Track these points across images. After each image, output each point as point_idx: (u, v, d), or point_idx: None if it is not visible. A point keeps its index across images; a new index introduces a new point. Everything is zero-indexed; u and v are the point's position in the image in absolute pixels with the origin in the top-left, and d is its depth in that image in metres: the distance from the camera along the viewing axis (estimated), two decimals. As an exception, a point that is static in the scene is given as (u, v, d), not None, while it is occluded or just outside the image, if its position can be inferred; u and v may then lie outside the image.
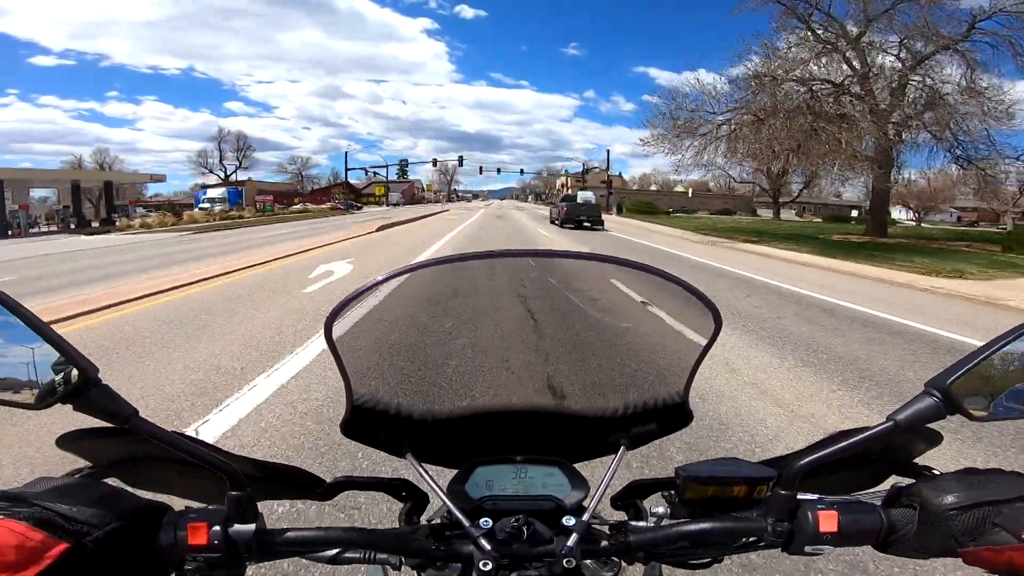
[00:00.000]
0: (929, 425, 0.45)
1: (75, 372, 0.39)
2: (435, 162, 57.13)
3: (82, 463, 0.50)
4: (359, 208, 55.71)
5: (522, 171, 62.61)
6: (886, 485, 0.50)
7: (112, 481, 0.47)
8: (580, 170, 72.07)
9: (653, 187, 78.75)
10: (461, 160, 60.73)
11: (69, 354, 0.39)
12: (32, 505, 0.39)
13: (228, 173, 71.11)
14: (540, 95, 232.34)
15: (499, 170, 59.32)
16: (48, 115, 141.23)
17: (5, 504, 0.38)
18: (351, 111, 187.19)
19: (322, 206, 53.19)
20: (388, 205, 66.90)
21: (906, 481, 0.49)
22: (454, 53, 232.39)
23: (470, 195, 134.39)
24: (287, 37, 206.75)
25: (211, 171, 72.47)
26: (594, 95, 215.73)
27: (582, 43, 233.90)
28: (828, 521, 0.44)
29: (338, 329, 0.50)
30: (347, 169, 65.06)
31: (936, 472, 0.50)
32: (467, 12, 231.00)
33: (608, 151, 55.25)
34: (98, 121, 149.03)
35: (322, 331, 0.49)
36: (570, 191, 54.25)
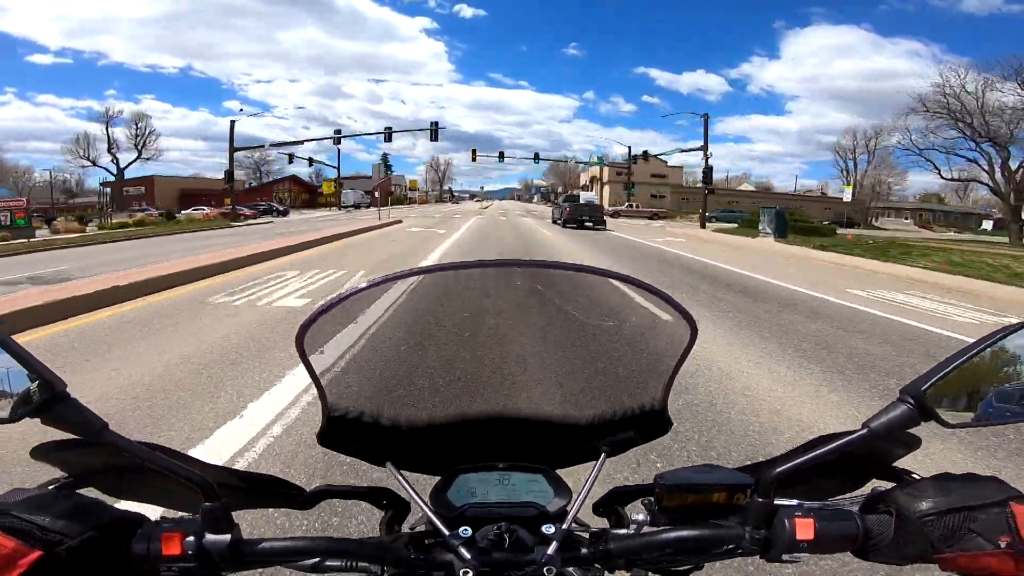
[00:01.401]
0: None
1: (42, 386, 0.40)
2: (435, 133, 37.61)
3: (58, 473, 0.50)
4: (283, 214, 42.92)
5: (537, 157, 50.22)
6: (866, 489, 0.51)
7: (88, 491, 0.47)
8: (617, 159, 56.45)
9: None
10: (474, 154, 46.50)
11: (36, 369, 0.40)
12: (5, 515, 0.39)
13: (122, 165, 57.71)
14: (539, 95, 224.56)
15: (501, 155, 46.10)
16: (46, 113, 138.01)
17: None
18: (350, 110, 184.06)
19: (216, 213, 38.28)
20: (342, 208, 54.43)
21: (885, 486, 0.50)
22: (453, 53, 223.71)
23: (467, 195, 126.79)
24: (287, 36, 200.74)
25: (95, 163, 57.28)
26: (594, 96, 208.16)
27: (582, 43, 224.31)
28: (805, 528, 0.45)
29: (313, 340, 0.49)
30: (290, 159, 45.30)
31: (915, 477, 0.51)
32: (466, 11, 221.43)
33: (706, 120, 34.07)
34: (96, 119, 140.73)
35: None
36: (604, 187, 50.00)
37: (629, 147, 49.63)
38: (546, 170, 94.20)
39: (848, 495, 0.53)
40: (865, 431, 0.45)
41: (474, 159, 47.33)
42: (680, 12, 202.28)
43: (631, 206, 46.15)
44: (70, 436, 0.43)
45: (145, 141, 58.45)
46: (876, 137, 53.07)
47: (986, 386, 0.45)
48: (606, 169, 59.29)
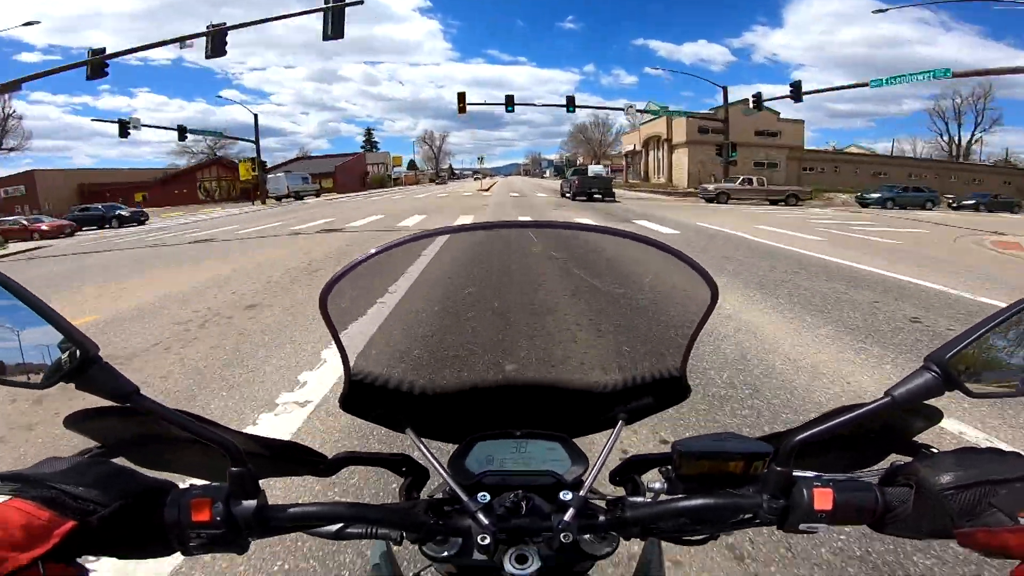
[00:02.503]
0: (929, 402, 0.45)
1: (76, 351, 0.40)
2: (509, 104, 28.59)
3: (90, 444, 0.51)
4: (129, 222, 25.69)
5: (571, 103, 30.59)
6: (885, 463, 0.50)
7: (119, 461, 0.48)
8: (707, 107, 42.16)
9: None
10: (511, 101, 29.67)
11: (69, 333, 0.40)
12: (40, 485, 0.40)
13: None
14: (539, 71, 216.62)
15: (509, 100, 29.54)
16: (42, 111, 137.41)
17: (14, 485, 0.40)
18: (348, 94, 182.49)
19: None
20: (272, 199, 36.70)
21: (905, 460, 0.49)
22: (449, 31, 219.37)
23: (469, 173, 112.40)
24: (277, 22, 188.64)
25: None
26: (594, 69, 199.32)
27: (579, 16, 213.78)
28: (823, 498, 0.45)
29: (335, 303, 0.49)
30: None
31: (935, 451, 0.50)
32: None
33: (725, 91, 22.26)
34: (92, 114, 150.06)
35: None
36: (673, 152, 38.89)
37: (724, 88, 30.22)
38: (564, 139, 76.93)
39: (867, 469, 0.51)
40: (888, 399, 0.44)
41: (510, 107, 29.94)
42: None
43: (747, 182, 26.05)
44: (102, 404, 0.44)
45: (4, 127, 39.01)
46: (986, 96, 46.95)
47: (1012, 355, 0.43)
48: (678, 126, 39.15)
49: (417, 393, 0.59)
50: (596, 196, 24.10)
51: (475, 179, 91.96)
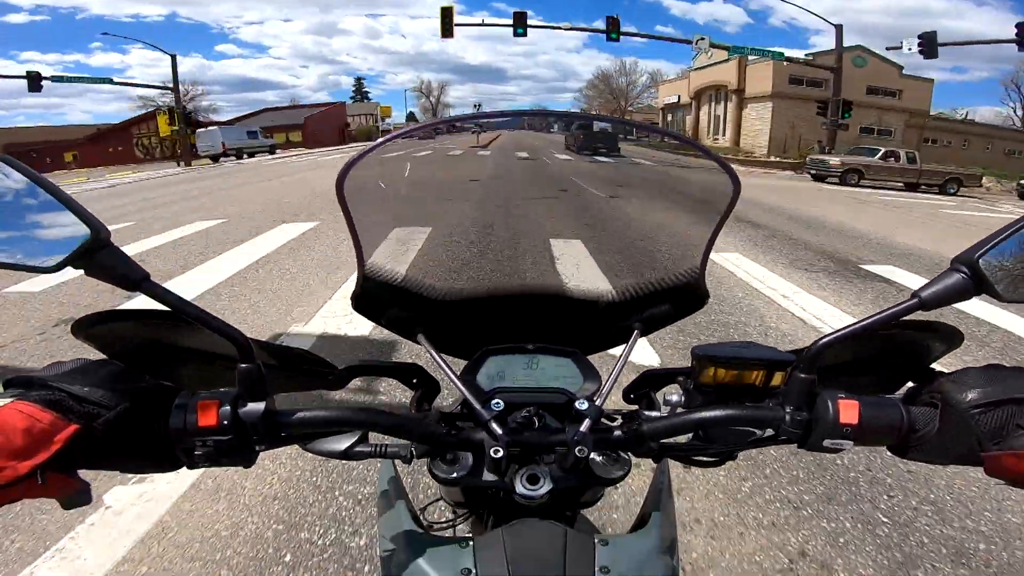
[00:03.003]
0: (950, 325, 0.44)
1: (87, 233, 0.39)
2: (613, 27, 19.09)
3: (96, 354, 0.48)
4: None
5: (613, 28, 20.50)
6: (903, 391, 0.48)
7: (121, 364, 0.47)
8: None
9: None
10: (522, 21, 21.04)
11: (81, 214, 0.39)
12: (43, 386, 0.39)
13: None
14: (546, 25, 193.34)
15: (520, 26, 21.18)
16: (33, 70, 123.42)
17: (17, 389, 0.39)
18: (349, 47, 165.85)
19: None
20: (207, 158, 28.21)
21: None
22: None
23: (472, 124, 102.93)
24: None
25: None
26: (603, 25, 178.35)
27: None
28: (849, 411, 0.42)
29: (353, 190, 0.46)
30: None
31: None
32: None
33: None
34: (86, 72, 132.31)
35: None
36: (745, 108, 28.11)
37: (838, 27, 20.99)
38: (580, 90, 65.53)
39: (887, 396, 0.48)
40: (915, 300, 0.41)
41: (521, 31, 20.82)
42: None
43: (891, 156, 16.73)
44: (112, 309, 0.42)
45: None
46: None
47: None
48: (758, 73, 26.82)
49: (430, 297, 0.56)
50: (601, 151, 18.02)
51: (473, 133, 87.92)
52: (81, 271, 0.39)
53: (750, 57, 25.81)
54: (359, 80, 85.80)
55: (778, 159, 22.57)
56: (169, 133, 27.10)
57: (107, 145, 37.17)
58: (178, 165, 25.72)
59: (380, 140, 0.47)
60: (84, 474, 0.39)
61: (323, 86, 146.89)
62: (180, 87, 29.02)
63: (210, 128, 32.48)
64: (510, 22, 20.24)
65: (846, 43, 22.43)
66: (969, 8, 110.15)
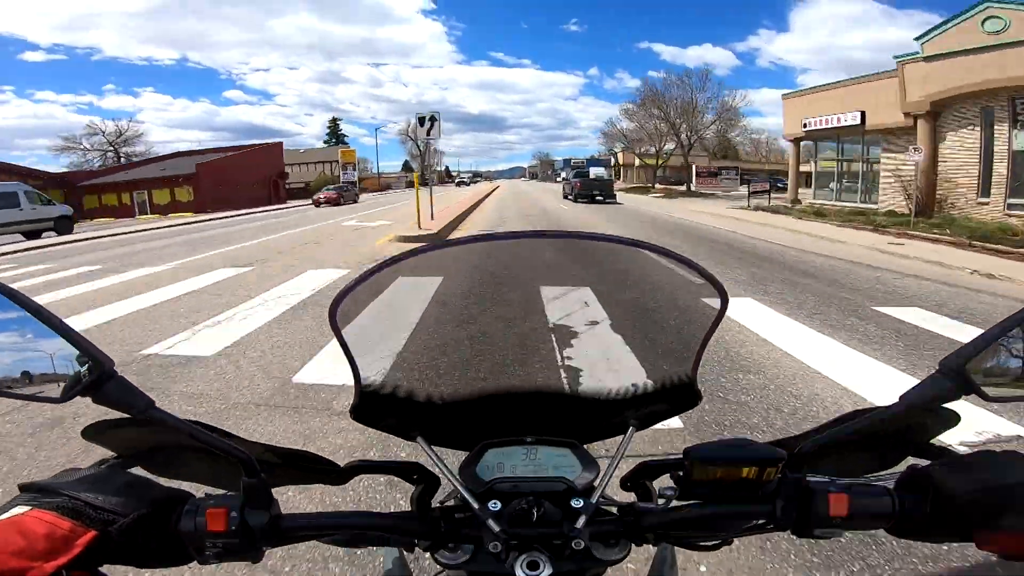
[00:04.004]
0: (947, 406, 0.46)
1: (92, 365, 0.41)
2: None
3: (108, 453, 0.52)
4: None
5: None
6: (902, 466, 0.50)
7: (136, 470, 0.50)
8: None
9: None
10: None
11: (86, 349, 0.41)
12: (61, 495, 0.41)
13: None
14: (543, 73, 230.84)
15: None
16: (47, 110, 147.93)
17: (35, 495, 0.41)
18: (352, 96, 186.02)
19: None
20: None
21: (922, 462, 0.49)
22: (453, 33, 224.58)
23: (467, 177, 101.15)
24: (279, 23, 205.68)
25: None
26: (598, 72, 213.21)
27: (583, 19, 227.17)
28: (838, 504, 0.45)
29: (345, 315, 0.50)
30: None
31: (953, 450, 0.50)
32: None
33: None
34: (97, 114, 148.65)
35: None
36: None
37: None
38: (597, 135, 65.51)
39: (884, 472, 0.52)
40: (901, 404, 0.44)
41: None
42: None
43: None
44: (118, 415, 0.45)
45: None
46: None
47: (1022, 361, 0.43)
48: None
49: (427, 401, 0.58)
50: (598, 199, 24.44)
51: (458, 183, 75.35)
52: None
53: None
54: (334, 121, 75.70)
55: None
56: None
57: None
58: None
59: (371, 269, 0.49)
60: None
61: (326, 134, 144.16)
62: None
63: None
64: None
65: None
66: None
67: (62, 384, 0.41)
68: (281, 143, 45.35)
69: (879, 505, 0.45)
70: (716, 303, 0.51)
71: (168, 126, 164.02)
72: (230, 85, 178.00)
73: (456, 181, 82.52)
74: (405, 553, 0.57)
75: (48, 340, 0.41)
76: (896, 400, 0.44)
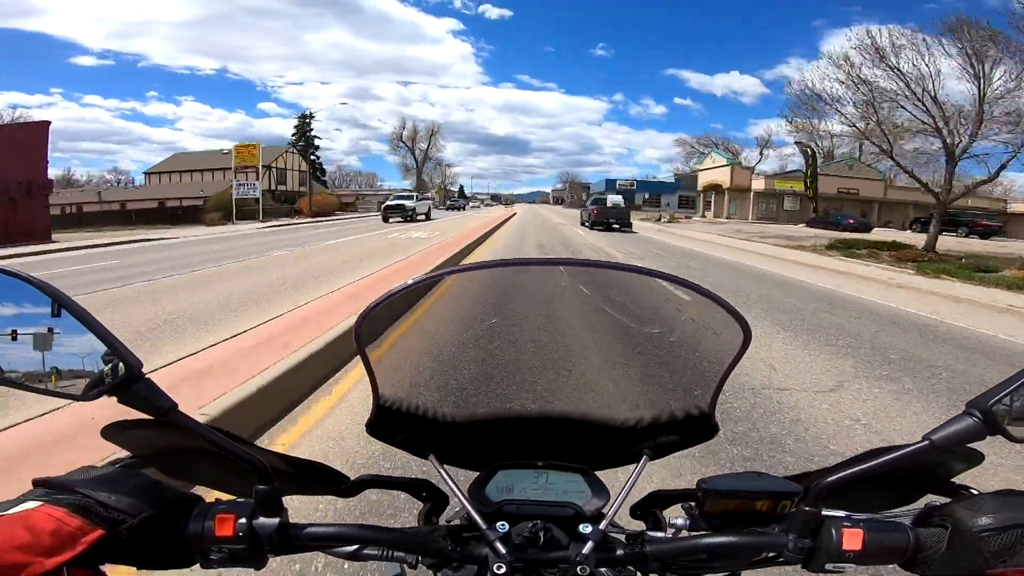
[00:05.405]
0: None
1: (120, 365, 0.42)
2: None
3: (123, 453, 0.53)
4: None
5: None
6: (920, 504, 0.50)
7: (149, 471, 0.50)
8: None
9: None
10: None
11: (115, 347, 0.42)
12: (74, 492, 0.42)
13: None
14: (568, 98, 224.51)
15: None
16: (93, 114, 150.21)
17: (49, 491, 0.42)
18: (380, 112, 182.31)
19: None
20: None
21: (941, 500, 0.49)
22: (480, 54, 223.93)
23: (475, 200, 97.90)
24: (314, 38, 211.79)
25: None
26: (623, 98, 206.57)
27: (610, 44, 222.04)
28: (852, 539, 0.44)
29: (368, 331, 0.51)
30: None
31: (974, 492, 0.50)
32: (492, 12, 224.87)
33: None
34: (140, 120, 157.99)
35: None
36: None
37: None
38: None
39: (902, 508, 0.51)
40: (926, 443, 0.44)
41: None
42: (712, 13, 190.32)
43: None
44: (140, 416, 0.45)
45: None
46: None
47: None
48: None
49: (441, 420, 0.59)
50: (615, 227, 23.95)
51: (450, 207, 57.96)
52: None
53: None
54: (303, 117, 57.89)
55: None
56: None
57: None
58: None
59: (395, 289, 0.50)
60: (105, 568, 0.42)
61: (354, 150, 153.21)
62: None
63: None
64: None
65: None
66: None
67: (88, 382, 0.42)
68: (46, 123, 21.78)
69: (894, 540, 0.44)
70: (738, 339, 0.51)
71: (204, 135, 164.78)
72: (265, 97, 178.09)
73: (448, 204, 63.45)
74: (407, 570, 0.57)
75: (78, 336, 0.41)
76: (920, 439, 0.44)
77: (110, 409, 0.43)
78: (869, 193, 39.95)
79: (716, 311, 0.50)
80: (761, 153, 54.50)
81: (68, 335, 0.42)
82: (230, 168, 35.76)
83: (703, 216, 46.21)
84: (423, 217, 29.56)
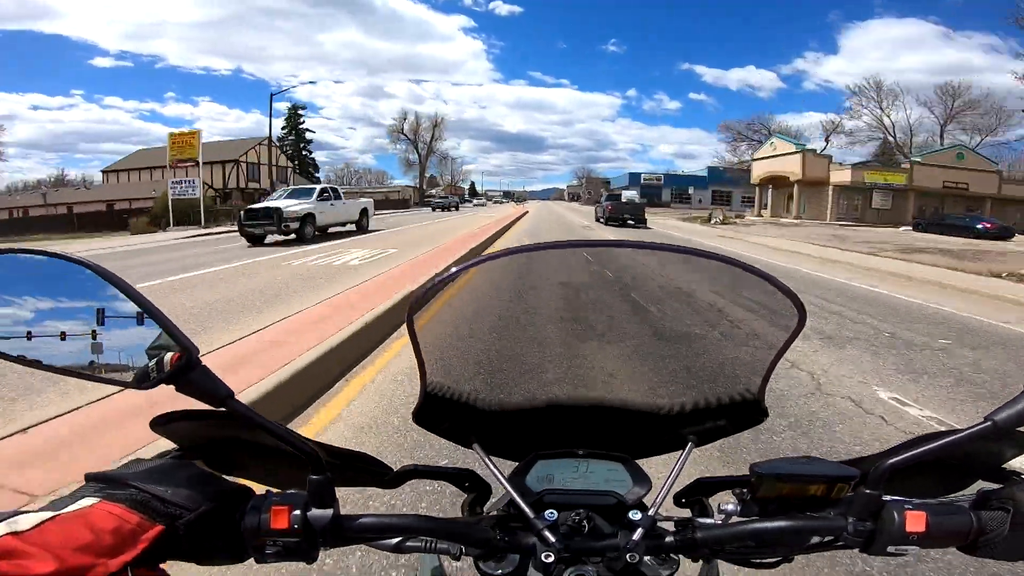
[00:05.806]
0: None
1: (179, 354, 0.41)
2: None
3: (171, 445, 0.52)
4: None
5: None
6: (971, 490, 0.50)
7: (197, 464, 0.49)
8: None
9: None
10: None
11: (174, 334, 0.41)
12: (129, 487, 0.41)
13: None
14: (581, 94, 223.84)
15: None
16: (113, 115, 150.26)
17: (103, 486, 0.41)
18: (393, 111, 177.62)
19: None
20: None
21: (992, 486, 0.49)
22: (492, 51, 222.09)
23: (483, 198, 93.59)
24: (327, 38, 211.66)
25: None
26: (636, 93, 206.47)
27: (622, 39, 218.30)
28: (916, 521, 0.44)
29: (419, 318, 0.50)
30: None
31: None
32: (502, 9, 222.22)
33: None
34: (159, 121, 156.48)
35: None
36: None
37: None
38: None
39: (953, 495, 0.51)
40: (988, 424, 0.43)
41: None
42: (726, 6, 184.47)
43: None
44: (195, 407, 0.45)
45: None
46: None
47: None
48: None
49: (485, 409, 0.59)
50: (630, 223, 23.23)
51: (433, 207, 46.46)
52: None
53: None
54: (294, 109, 54.27)
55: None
56: None
57: None
58: None
59: (443, 276, 0.49)
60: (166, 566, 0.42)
61: (368, 148, 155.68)
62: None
63: None
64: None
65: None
66: (1007, 61, 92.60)
67: (146, 369, 0.41)
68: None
69: (957, 523, 0.44)
70: (792, 320, 0.50)
71: (223, 135, 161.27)
72: (280, 97, 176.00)
73: (432, 204, 50.57)
74: (443, 562, 0.57)
75: (137, 323, 0.40)
76: (982, 420, 0.43)
77: (161, 396, 0.41)
78: (980, 188, 32.42)
79: (765, 289, 0.49)
80: (827, 141, 46.03)
81: (125, 321, 0.40)
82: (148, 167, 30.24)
83: (759, 215, 38.34)
84: (353, 227, 16.93)
